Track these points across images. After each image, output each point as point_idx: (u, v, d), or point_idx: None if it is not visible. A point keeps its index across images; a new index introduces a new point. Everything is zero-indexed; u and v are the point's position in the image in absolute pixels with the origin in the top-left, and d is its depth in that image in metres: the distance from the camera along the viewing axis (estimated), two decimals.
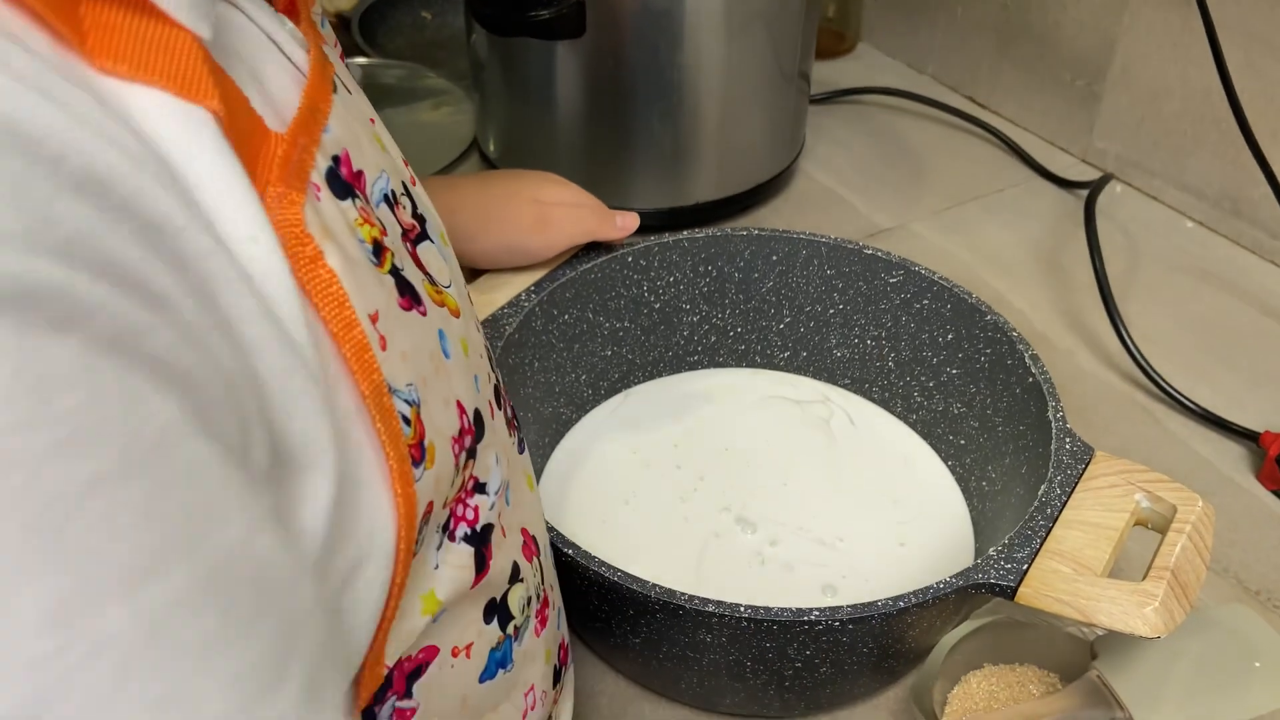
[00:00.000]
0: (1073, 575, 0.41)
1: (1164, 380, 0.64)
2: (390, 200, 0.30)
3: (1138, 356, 0.65)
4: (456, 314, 0.32)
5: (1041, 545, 0.43)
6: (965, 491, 0.57)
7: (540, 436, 0.58)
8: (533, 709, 0.37)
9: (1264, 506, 0.59)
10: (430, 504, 0.27)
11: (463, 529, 0.30)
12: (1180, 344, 0.69)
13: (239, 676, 0.18)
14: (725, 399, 0.63)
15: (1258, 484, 0.60)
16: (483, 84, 0.77)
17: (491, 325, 0.54)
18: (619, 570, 0.42)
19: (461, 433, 0.30)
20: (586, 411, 0.62)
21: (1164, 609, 0.40)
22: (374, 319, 0.25)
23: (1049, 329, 0.71)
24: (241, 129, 0.23)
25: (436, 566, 0.29)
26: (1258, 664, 0.46)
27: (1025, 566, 0.42)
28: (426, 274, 0.31)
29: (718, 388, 0.64)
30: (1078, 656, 0.48)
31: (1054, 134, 0.88)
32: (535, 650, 0.36)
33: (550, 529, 0.44)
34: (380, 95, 0.91)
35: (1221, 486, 0.60)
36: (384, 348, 0.25)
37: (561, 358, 0.59)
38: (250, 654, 0.18)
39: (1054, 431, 0.48)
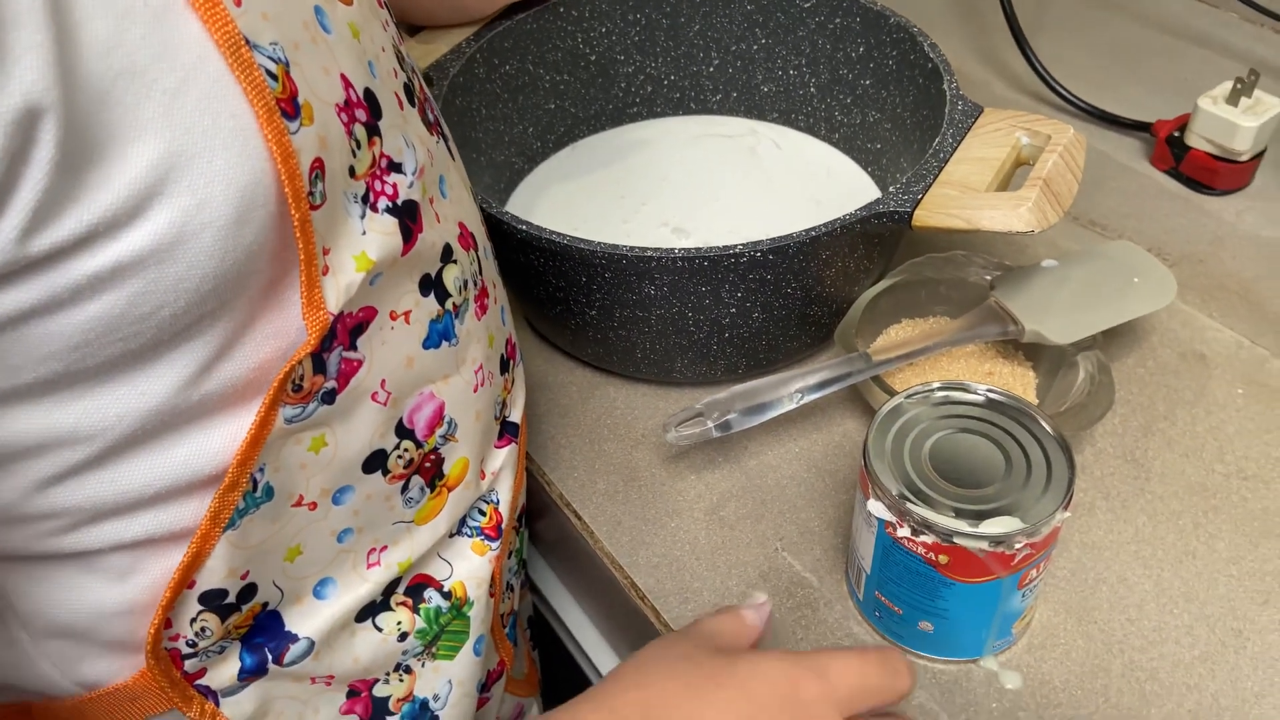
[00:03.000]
0: (960, 196, 0.47)
1: (1065, 89, 0.69)
2: None
3: (1043, 73, 0.70)
4: (348, 2, 0.34)
5: (935, 180, 0.49)
6: (883, 190, 0.63)
7: (495, 182, 0.64)
8: (483, 385, 0.43)
9: (1156, 184, 0.65)
10: (319, 160, 0.30)
11: (384, 202, 0.35)
12: (1086, 64, 0.74)
13: None
14: (663, 142, 0.68)
15: (1150, 167, 0.66)
16: None
17: (437, 69, 0.59)
18: (566, 235, 0.48)
19: (349, 104, 0.32)
20: (537, 164, 0.67)
21: (1037, 208, 0.45)
22: None
23: (964, 64, 0.76)
24: None
25: (364, 233, 0.33)
26: (1136, 280, 0.53)
27: (920, 196, 0.48)
28: None
29: (656, 134, 0.69)
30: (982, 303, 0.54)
31: None
32: (477, 331, 0.42)
33: (505, 212, 0.49)
34: None
35: (1119, 172, 0.66)
36: (238, 4, 0.28)
37: (508, 108, 0.64)
38: None
39: (948, 98, 0.53)
